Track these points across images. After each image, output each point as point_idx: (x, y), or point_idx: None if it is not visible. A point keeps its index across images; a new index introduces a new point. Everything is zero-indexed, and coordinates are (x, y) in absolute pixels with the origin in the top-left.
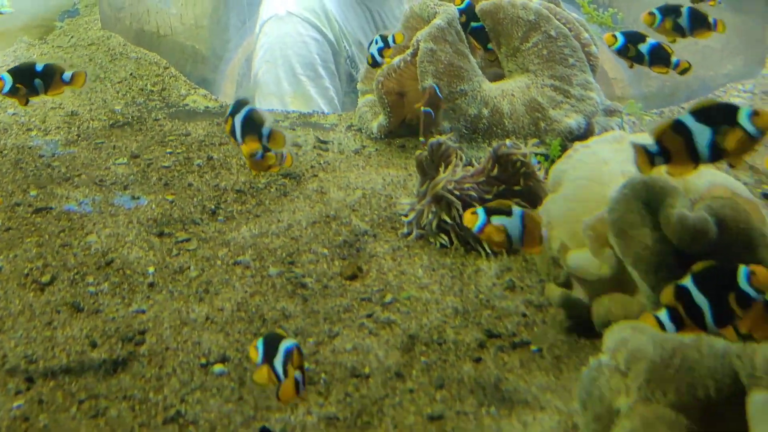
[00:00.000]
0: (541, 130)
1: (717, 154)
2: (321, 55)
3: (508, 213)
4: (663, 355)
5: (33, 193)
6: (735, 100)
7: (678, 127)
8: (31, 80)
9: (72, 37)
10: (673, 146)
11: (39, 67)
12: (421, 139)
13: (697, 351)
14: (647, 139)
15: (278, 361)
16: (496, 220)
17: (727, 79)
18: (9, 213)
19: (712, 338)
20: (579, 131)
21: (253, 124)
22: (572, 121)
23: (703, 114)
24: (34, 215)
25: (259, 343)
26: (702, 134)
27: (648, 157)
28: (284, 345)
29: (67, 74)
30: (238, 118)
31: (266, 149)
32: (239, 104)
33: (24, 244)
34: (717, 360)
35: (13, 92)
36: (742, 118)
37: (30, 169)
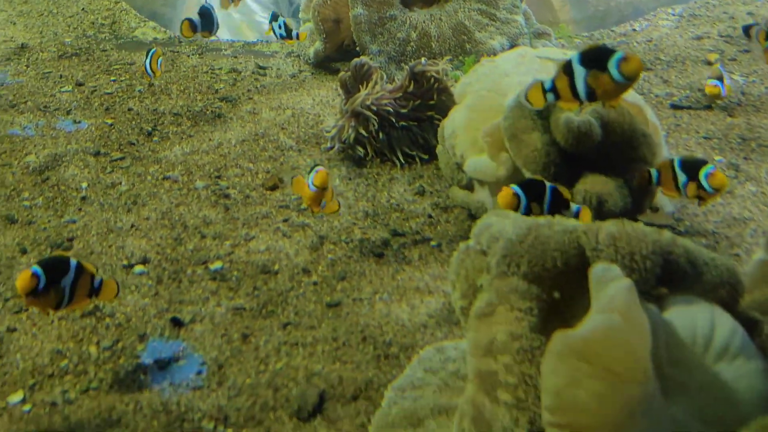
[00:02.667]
0: (466, 51)
1: (592, 94)
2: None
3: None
4: (518, 233)
5: None
6: (662, 23)
7: (566, 67)
8: None
9: None
10: (560, 84)
11: None
12: None
13: (549, 228)
14: (549, 53)
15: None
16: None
17: (657, 3)
18: None
19: (565, 219)
20: (503, 52)
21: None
22: (496, 42)
23: (585, 56)
24: None
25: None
26: (581, 76)
27: (543, 92)
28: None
29: None
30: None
31: None
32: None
33: None
34: (565, 235)
35: None
36: (611, 64)
37: None
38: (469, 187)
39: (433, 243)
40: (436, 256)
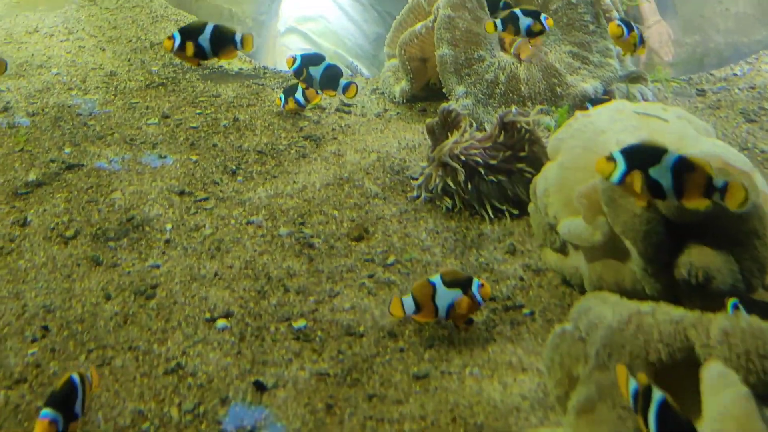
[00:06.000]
0: (557, 95)
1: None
2: None
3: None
4: (620, 321)
5: (68, 150)
6: (765, 67)
7: None
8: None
9: None
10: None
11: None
12: None
13: (652, 317)
14: (650, 109)
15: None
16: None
17: (760, 45)
18: (43, 169)
19: (670, 306)
20: (596, 96)
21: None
22: (588, 85)
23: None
24: (66, 171)
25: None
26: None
27: None
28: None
29: (238, 36)
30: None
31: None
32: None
33: (54, 199)
34: (670, 326)
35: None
36: None
37: (67, 127)
38: (562, 250)
39: (525, 311)
40: (529, 327)
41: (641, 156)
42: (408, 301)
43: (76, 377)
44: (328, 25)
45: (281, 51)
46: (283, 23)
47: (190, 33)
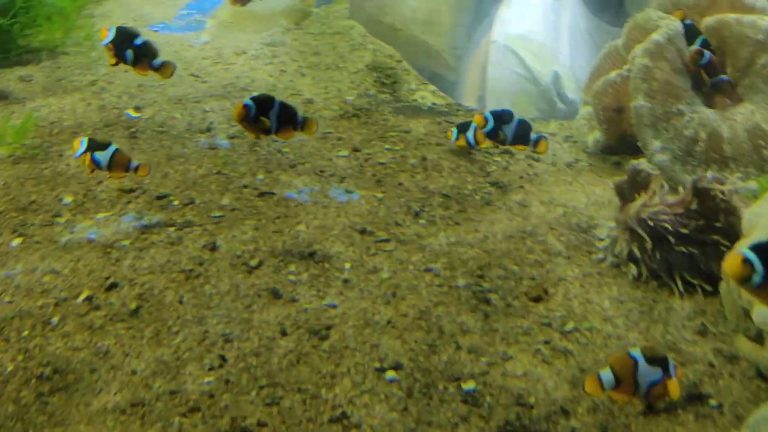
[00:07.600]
0: (764, 158)
1: None
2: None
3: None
4: None
5: (260, 176)
6: None
7: None
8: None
9: (323, 24)
10: None
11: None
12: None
13: None
14: None
15: None
16: None
17: None
18: (237, 194)
19: None
20: None
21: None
22: None
23: None
24: (257, 198)
25: None
26: None
27: None
28: None
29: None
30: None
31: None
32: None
33: (243, 225)
34: None
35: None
36: None
37: (263, 152)
38: (758, 338)
39: (712, 402)
40: (716, 420)
41: None
42: (607, 375)
43: None
44: (544, 45)
45: (493, 64)
46: (500, 36)
47: (263, 106)
